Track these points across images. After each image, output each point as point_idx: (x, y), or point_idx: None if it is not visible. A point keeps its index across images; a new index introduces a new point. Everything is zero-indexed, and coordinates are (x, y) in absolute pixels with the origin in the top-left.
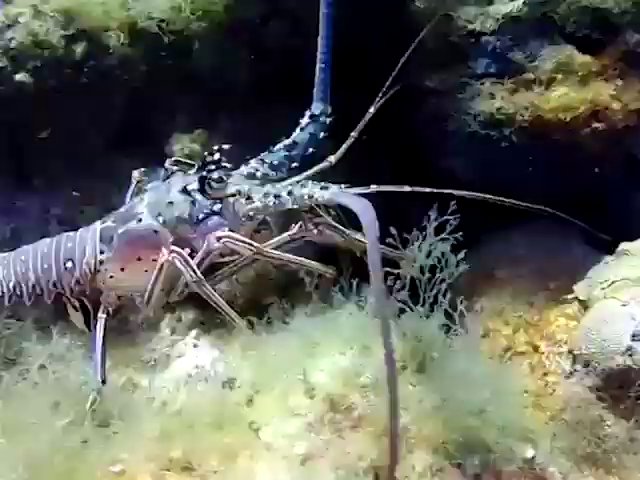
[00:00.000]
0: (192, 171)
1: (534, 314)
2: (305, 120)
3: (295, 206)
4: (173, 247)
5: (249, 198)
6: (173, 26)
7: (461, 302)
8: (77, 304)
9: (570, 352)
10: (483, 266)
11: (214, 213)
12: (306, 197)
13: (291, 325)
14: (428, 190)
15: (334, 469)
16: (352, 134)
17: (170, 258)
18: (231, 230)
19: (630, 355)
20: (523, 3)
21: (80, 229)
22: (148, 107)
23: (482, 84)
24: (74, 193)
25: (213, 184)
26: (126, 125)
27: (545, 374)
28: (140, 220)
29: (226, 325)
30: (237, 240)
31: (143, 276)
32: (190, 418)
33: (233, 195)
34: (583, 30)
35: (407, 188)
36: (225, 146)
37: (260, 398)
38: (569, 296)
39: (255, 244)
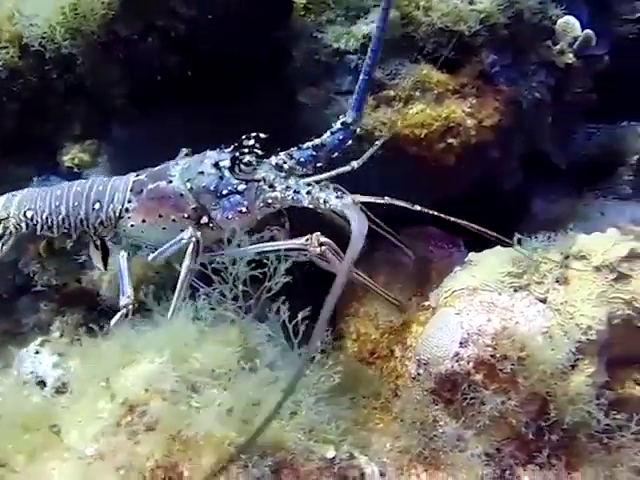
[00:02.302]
0: (228, 150)
1: (403, 319)
2: (337, 125)
3: (310, 206)
4: (197, 233)
5: (272, 186)
6: (52, 43)
7: (284, 312)
8: (98, 243)
9: (415, 357)
10: (363, 271)
11: (237, 192)
12: (322, 201)
13: (119, 332)
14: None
15: (119, 469)
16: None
17: (191, 240)
18: (247, 211)
19: (457, 361)
20: None
21: (114, 177)
22: (40, 118)
23: (347, 100)
24: None
25: (243, 166)
26: (19, 135)
27: (397, 377)
28: (171, 182)
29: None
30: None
31: (159, 232)
32: (9, 421)
33: (258, 180)
34: (442, 50)
35: (417, 207)
36: (262, 135)
37: (77, 402)
38: (426, 303)
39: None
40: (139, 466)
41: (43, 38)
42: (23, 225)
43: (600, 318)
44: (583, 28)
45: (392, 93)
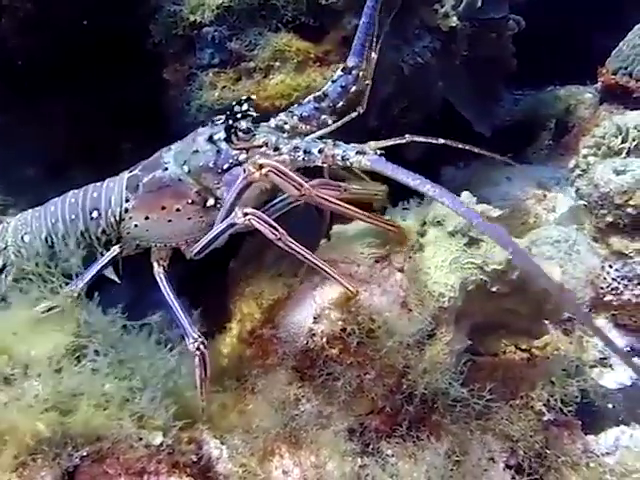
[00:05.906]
0: (220, 121)
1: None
2: (338, 73)
3: (324, 165)
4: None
5: (277, 149)
6: None
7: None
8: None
9: (277, 335)
10: (253, 250)
11: (239, 163)
12: (339, 158)
13: None
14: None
15: None
16: (366, 82)
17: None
18: None
19: (311, 337)
20: None
21: (107, 179)
22: None
23: (207, 75)
24: None
25: (240, 134)
26: None
27: (267, 357)
28: (166, 169)
29: None
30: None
31: (166, 226)
32: None
33: (260, 146)
34: (302, 17)
35: (441, 140)
36: (253, 97)
37: None
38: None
39: (280, 230)
40: None
41: None
42: (23, 252)
43: (452, 285)
44: None
45: (252, 64)
